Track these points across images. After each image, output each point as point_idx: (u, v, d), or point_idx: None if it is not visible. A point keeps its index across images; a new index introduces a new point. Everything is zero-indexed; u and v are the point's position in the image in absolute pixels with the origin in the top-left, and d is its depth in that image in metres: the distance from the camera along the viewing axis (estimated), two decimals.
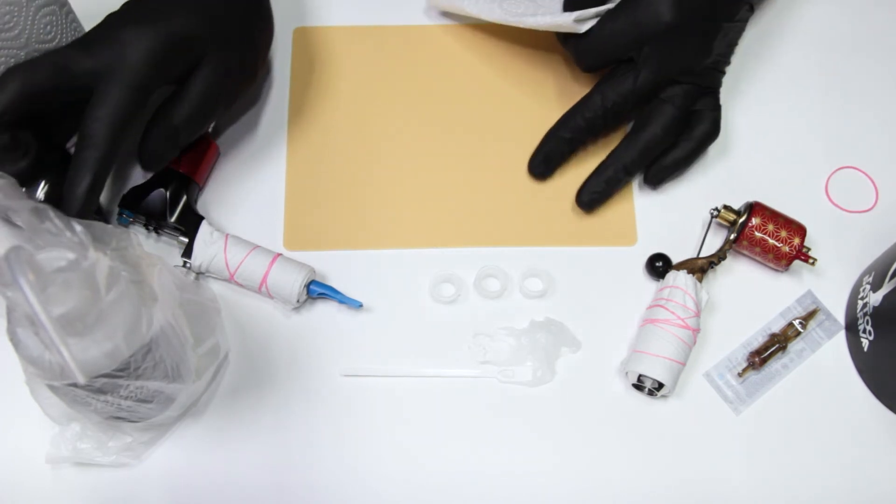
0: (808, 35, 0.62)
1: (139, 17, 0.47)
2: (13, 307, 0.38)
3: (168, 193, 0.53)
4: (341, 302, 0.52)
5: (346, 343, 0.53)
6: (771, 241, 0.52)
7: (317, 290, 0.52)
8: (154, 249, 0.55)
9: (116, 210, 0.53)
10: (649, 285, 0.54)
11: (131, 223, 0.54)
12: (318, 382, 0.52)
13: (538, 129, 0.56)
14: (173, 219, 0.53)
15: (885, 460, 0.50)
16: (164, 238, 0.55)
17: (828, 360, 0.53)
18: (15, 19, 0.46)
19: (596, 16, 0.53)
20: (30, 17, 0.47)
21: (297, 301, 0.51)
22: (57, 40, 0.50)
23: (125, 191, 0.53)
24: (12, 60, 0.47)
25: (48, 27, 0.48)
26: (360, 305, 0.53)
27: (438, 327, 0.53)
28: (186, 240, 0.53)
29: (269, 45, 0.55)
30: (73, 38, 0.51)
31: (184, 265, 0.53)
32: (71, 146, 0.51)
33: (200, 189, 0.56)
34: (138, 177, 0.54)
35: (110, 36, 0.46)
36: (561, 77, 0.60)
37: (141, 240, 0.54)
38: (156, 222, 0.53)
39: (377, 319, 0.53)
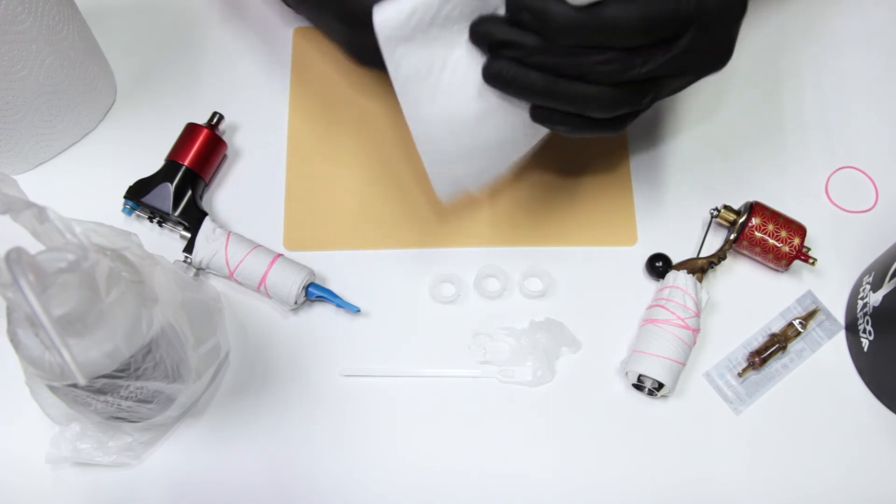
0: (807, 35, 0.62)
1: None
2: (13, 308, 0.38)
3: (173, 187, 0.53)
4: (339, 306, 0.52)
5: (345, 343, 0.53)
6: (771, 241, 0.52)
7: (315, 293, 0.52)
8: (156, 243, 0.55)
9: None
10: (649, 285, 0.54)
11: (135, 215, 0.55)
12: (318, 382, 0.52)
13: None
14: (177, 213, 0.53)
15: (886, 460, 0.50)
16: (166, 231, 0.55)
17: (828, 360, 0.53)
18: (25, 13, 0.47)
19: None
20: (38, 11, 0.48)
21: (295, 302, 0.51)
22: (64, 33, 0.50)
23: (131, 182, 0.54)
24: (23, 53, 0.48)
25: (56, 19, 0.49)
26: (358, 310, 0.52)
27: (438, 327, 0.53)
28: (189, 235, 0.53)
29: None
30: (80, 31, 0.52)
31: (185, 260, 0.53)
32: None
33: (206, 186, 0.56)
34: (145, 169, 0.54)
35: None
36: None
37: (143, 233, 0.54)
38: (159, 215, 0.54)
39: (377, 320, 0.53)
